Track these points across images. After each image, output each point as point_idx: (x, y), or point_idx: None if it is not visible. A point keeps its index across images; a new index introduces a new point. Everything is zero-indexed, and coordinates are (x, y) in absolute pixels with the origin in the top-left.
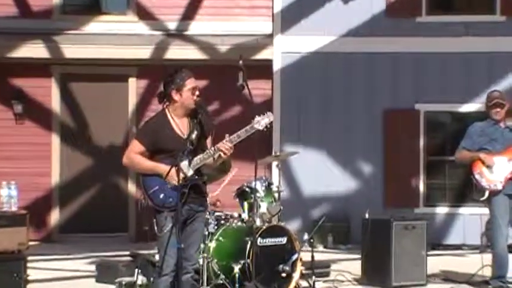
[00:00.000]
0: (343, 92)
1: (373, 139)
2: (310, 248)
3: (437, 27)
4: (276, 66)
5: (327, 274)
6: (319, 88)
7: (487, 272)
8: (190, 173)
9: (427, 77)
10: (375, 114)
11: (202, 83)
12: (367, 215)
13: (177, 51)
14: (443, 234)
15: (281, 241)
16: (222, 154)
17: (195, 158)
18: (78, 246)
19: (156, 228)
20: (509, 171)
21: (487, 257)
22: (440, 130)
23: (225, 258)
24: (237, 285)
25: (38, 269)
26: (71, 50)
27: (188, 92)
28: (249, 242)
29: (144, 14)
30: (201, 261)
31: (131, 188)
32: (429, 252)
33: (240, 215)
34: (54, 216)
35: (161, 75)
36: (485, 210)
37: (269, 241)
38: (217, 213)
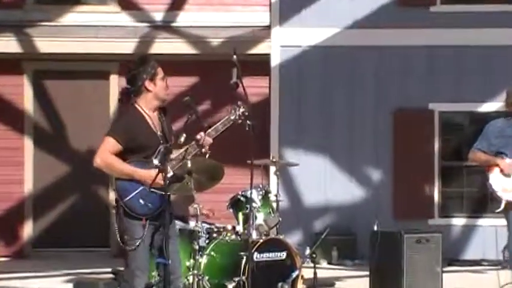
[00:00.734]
0: (349, 91)
1: (381, 142)
2: (312, 264)
3: (453, 18)
4: (274, 62)
5: None
6: (321, 86)
7: None
8: (170, 173)
9: (442, 73)
10: (384, 114)
11: (191, 80)
12: (375, 227)
13: (164, 45)
14: (460, 249)
15: (280, 256)
16: (203, 150)
17: (172, 157)
18: (53, 263)
19: (125, 239)
20: None
21: (508, 274)
22: (456, 132)
23: (218, 276)
24: None
25: None
26: (46, 44)
27: (161, 81)
28: (244, 258)
29: (127, 4)
30: (190, 278)
31: (113, 197)
32: (445, 269)
33: (234, 228)
34: (27, 229)
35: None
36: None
37: (266, 256)
38: (208, 226)
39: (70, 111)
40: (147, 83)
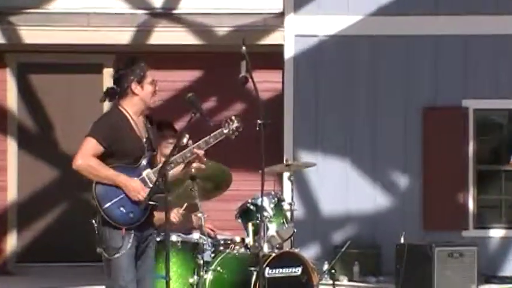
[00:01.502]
0: (372, 86)
1: (409, 144)
2: (331, 281)
3: (492, 3)
4: (288, 53)
5: None
6: (341, 81)
7: None
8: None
9: (478, 66)
10: (412, 113)
11: (195, 74)
12: (402, 240)
13: (164, 35)
14: (498, 264)
15: (295, 272)
16: (192, 163)
17: (158, 167)
18: (40, 279)
19: (104, 249)
20: None
21: None
22: (493, 132)
23: None
24: None
25: None
26: (31, 34)
27: (149, 85)
28: (255, 274)
29: None
30: None
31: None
32: (480, 287)
33: (243, 240)
34: (11, 242)
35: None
36: None
37: (280, 272)
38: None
39: (59, 110)
40: (134, 86)
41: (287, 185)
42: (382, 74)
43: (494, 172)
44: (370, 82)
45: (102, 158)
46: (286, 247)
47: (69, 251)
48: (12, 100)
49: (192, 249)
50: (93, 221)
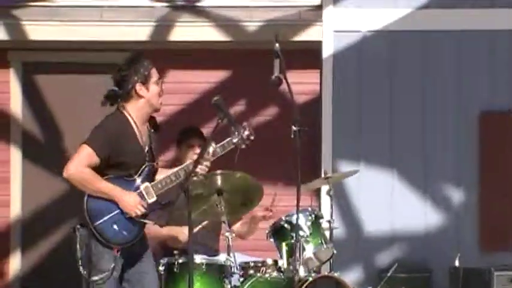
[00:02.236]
0: (422, 88)
1: (464, 153)
2: None
3: None
4: (327, 51)
5: None
6: (387, 82)
7: None
8: (152, 199)
9: None
10: (467, 118)
11: (222, 75)
12: (457, 263)
13: (187, 30)
14: None
15: None
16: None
17: (158, 180)
18: None
19: (90, 270)
20: None
21: None
22: None
23: None
24: None
25: None
26: (38, 30)
27: (155, 85)
28: None
29: None
30: None
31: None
32: None
33: (275, 262)
34: (14, 264)
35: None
36: None
37: None
38: (243, 259)
39: (69, 115)
40: (139, 87)
41: (325, 200)
42: (433, 75)
43: None
44: (420, 83)
45: (97, 168)
46: (325, 270)
47: (79, 273)
48: (16, 104)
49: (219, 273)
50: (75, 232)
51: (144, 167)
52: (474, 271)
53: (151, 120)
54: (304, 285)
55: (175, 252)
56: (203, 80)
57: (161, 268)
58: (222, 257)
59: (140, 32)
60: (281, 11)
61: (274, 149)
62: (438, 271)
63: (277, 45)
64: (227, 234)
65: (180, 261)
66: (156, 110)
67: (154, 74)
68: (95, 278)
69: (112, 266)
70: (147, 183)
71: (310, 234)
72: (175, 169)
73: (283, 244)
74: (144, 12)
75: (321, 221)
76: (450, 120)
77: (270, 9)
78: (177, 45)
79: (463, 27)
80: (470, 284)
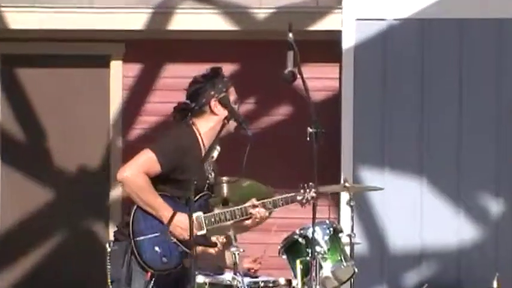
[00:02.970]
0: (456, 84)
1: (504, 159)
2: None
3: None
4: (347, 42)
5: None
6: (415, 77)
7: None
8: (202, 232)
9: None
10: (509, 118)
11: (228, 68)
12: (495, 284)
13: (189, 18)
14: None
15: None
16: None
17: (211, 214)
18: None
19: (119, 285)
20: None
21: None
22: None
23: None
24: None
25: None
26: (20, 17)
27: (232, 104)
28: None
29: None
30: None
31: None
32: None
33: (289, 282)
34: None
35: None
36: None
37: None
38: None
39: (54, 113)
40: (214, 104)
41: (346, 211)
42: (469, 68)
43: None
44: (454, 79)
45: (153, 181)
46: None
47: None
48: None
49: None
50: (109, 246)
51: (203, 194)
52: None
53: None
54: None
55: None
56: None
57: None
58: (227, 276)
59: (135, 20)
60: None
61: (288, 154)
62: None
63: (290, 35)
64: (233, 249)
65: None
66: (228, 133)
67: (232, 93)
68: None
69: None
70: (200, 213)
71: (328, 250)
72: (233, 208)
73: (298, 261)
74: None
75: (340, 235)
76: (488, 121)
77: None
78: (177, 35)
79: (505, 15)
80: None
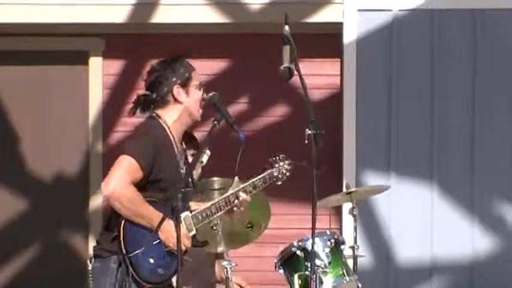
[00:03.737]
0: (471, 79)
1: None
2: None
3: None
4: (349, 35)
5: None
6: (424, 73)
7: None
8: (192, 233)
9: None
10: None
11: (219, 65)
12: None
13: (175, 11)
14: None
15: None
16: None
17: (197, 211)
18: None
19: None
20: None
21: None
22: None
23: None
24: None
25: None
26: None
27: (196, 90)
28: None
29: None
30: None
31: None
32: None
33: None
34: None
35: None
36: None
37: None
38: None
39: (27, 114)
40: (177, 90)
41: (348, 220)
42: (484, 63)
43: None
44: (469, 75)
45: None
46: None
47: None
48: None
49: None
50: (90, 264)
51: (183, 191)
52: None
53: (186, 135)
54: None
55: None
56: (198, 71)
57: None
58: None
59: (116, 14)
60: None
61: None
62: None
63: (287, 28)
64: (225, 263)
65: None
66: (195, 121)
67: (196, 77)
68: None
69: None
70: (187, 213)
71: (329, 263)
72: (216, 200)
73: (296, 276)
74: None
75: (342, 247)
76: (505, 121)
77: None
78: (162, 29)
79: None
80: None
